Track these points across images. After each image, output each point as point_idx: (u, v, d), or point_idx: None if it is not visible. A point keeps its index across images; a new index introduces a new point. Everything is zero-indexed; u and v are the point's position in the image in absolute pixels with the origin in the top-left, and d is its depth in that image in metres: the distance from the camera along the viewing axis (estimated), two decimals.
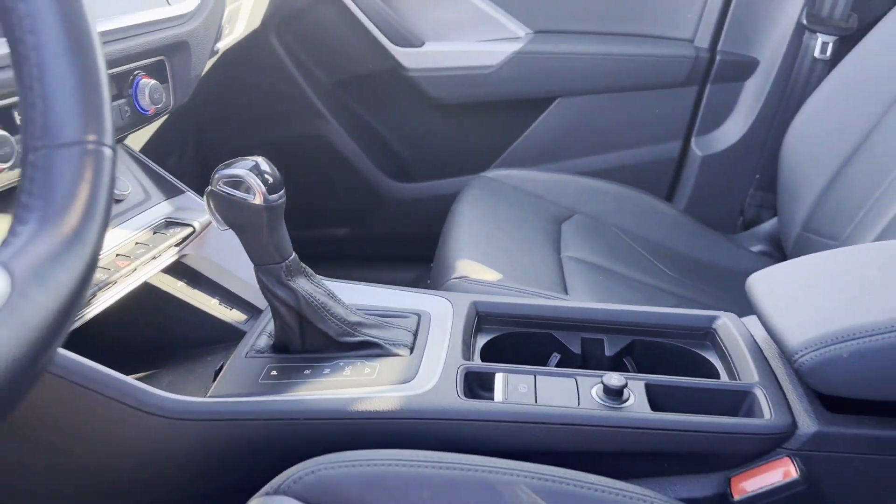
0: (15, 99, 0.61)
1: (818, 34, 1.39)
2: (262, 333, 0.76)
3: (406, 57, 1.52)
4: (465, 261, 1.03)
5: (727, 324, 0.77)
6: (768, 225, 1.51)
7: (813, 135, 1.31)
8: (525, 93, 1.55)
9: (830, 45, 1.39)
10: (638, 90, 1.55)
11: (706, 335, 0.78)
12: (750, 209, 1.54)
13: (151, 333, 0.81)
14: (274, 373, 0.69)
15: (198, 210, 0.84)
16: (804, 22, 1.40)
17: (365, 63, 1.55)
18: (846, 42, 1.36)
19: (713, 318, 0.78)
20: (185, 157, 1.49)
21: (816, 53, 1.40)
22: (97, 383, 0.60)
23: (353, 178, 1.62)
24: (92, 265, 0.35)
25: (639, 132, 1.58)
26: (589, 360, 0.77)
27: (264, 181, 0.65)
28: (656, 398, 0.66)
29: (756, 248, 1.49)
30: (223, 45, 0.99)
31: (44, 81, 0.36)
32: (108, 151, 0.35)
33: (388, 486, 0.54)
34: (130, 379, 0.62)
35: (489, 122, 1.59)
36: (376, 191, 1.62)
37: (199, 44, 0.80)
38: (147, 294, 0.78)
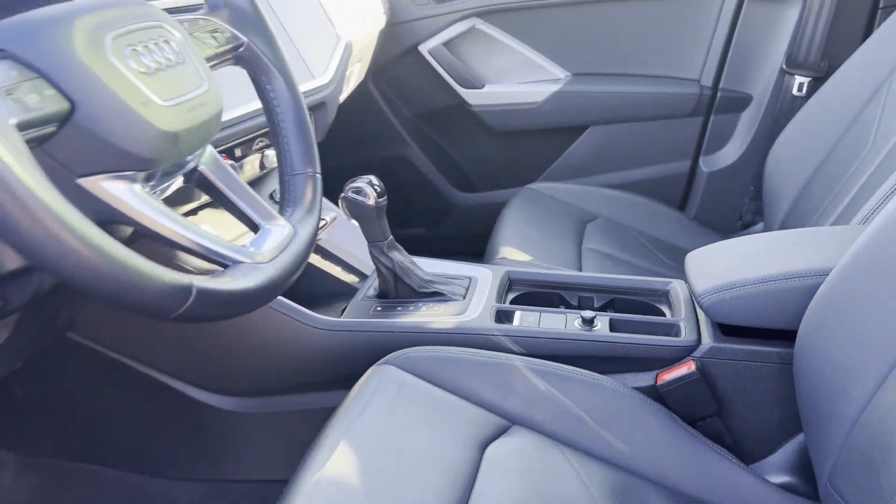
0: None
1: (796, 76, 1.72)
2: (369, 288, 1.16)
3: (470, 96, 1.88)
4: (506, 247, 1.41)
5: (676, 286, 1.12)
6: (759, 227, 1.82)
7: (788, 155, 1.62)
8: (563, 122, 1.89)
9: (806, 84, 1.71)
10: (655, 119, 1.88)
11: (663, 294, 1.14)
12: (747, 215, 1.85)
13: (303, 287, 1.22)
14: (378, 309, 1.09)
15: (328, 209, 1.25)
16: (784, 67, 1.73)
17: (439, 101, 1.91)
18: (819, 81, 1.67)
19: (668, 283, 1.14)
20: None
21: (794, 91, 1.71)
22: (281, 305, 1.02)
23: (429, 189, 2.01)
24: (316, 233, 0.75)
25: (656, 153, 1.91)
26: (583, 310, 1.14)
27: (375, 190, 1.05)
28: (618, 327, 1.03)
29: None
30: (342, 97, 1.40)
31: (287, 132, 0.76)
32: (318, 176, 0.76)
33: (449, 363, 0.93)
34: (299, 306, 1.03)
35: (534, 145, 1.95)
36: (446, 199, 2.01)
37: (332, 101, 1.21)
38: None
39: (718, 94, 1.82)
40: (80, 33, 0.54)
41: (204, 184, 0.68)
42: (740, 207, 1.86)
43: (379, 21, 1.70)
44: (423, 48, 1.85)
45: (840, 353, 0.80)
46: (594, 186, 1.81)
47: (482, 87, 1.89)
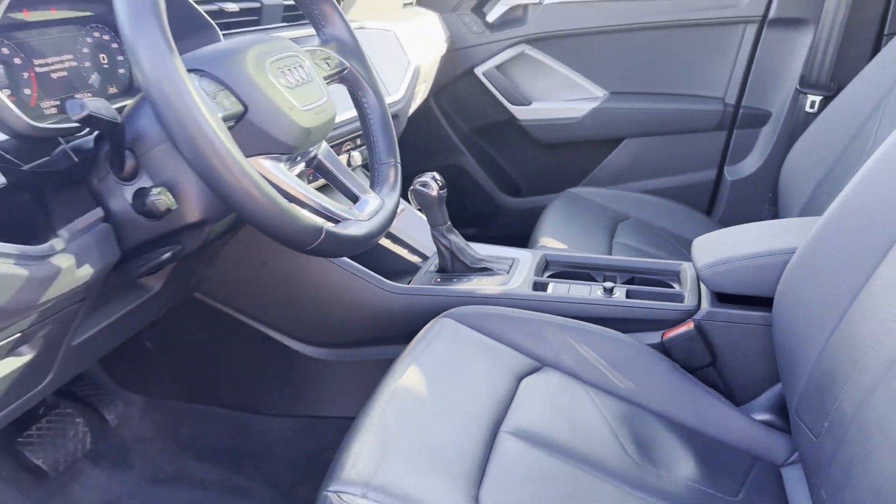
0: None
1: (808, 94, 1.91)
2: (430, 265, 1.41)
3: (519, 112, 2.12)
4: (546, 238, 1.64)
5: (686, 268, 1.34)
6: None
7: (799, 165, 1.80)
8: (601, 135, 2.11)
9: (817, 102, 1.90)
10: (684, 133, 2.09)
11: (675, 273, 1.35)
12: (766, 219, 2.04)
13: (379, 264, 1.47)
14: (438, 280, 1.33)
15: None
16: (798, 87, 1.92)
17: (491, 116, 2.14)
18: (829, 99, 1.86)
19: (679, 265, 1.35)
20: None
21: (807, 108, 1.90)
22: (364, 273, 1.27)
23: (481, 193, 2.25)
24: (398, 204, 1.00)
25: (685, 163, 2.11)
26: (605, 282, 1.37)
27: (437, 183, 1.30)
28: (632, 296, 1.25)
29: None
30: (411, 111, 1.66)
31: (376, 133, 1.02)
32: (399, 164, 1.01)
33: (494, 318, 1.16)
34: (377, 274, 1.28)
35: (576, 155, 2.17)
36: (496, 202, 2.25)
37: (403, 113, 1.46)
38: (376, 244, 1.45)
39: (741, 111, 2.02)
40: (250, 60, 0.81)
41: (321, 168, 0.94)
42: (761, 212, 2.04)
43: (441, 48, 1.96)
44: (478, 71, 2.10)
45: (804, 311, 1.01)
46: (629, 192, 2.03)
47: (529, 104, 2.12)
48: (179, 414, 1.49)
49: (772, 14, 1.94)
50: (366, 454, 0.85)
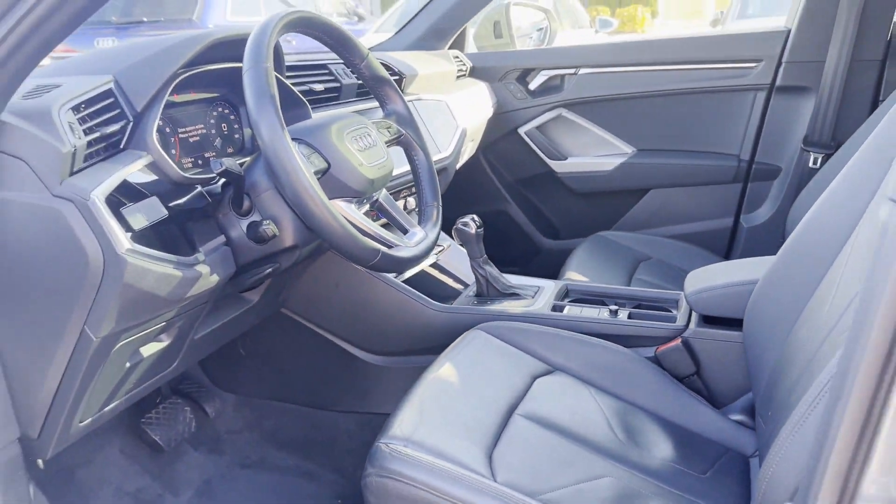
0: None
1: (811, 152, 2.13)
2: (470, 291, 1.68)
3: (556, 165, 2.38)
4: (571, 272, 1.90)
5: (682, 297, 1.58)
6: None
7: (802, 213, 2.01)
8: (630, 186, 2.35)
9: (820, 159, 2.11)
10: (704, 185, 2.31)
11: (675, 301, 1.59)
12: None
13: (428, 289, 1.75)
14: (475, 302, 1.61)
15: (444, 239, 1.80)
16: (802, 146, 2.14)
17: (532, 169, 2.40)
18: (830, 156, 2.07)
19: (678, 294, 1.59)
20: None
21: (811, 164, 2.12)
22: (412, 293, 1.56)
23: (522, 236, 2.51)
24: (438, 236, 1.29)
25: (705, 212, 2.33)
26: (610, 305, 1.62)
27: (475, 223, 1.58)
28: (633, 317, 1.49)
29: None
30: (458, 165, 1.97)
31: (424, 183, 1.32)
32: (440, 207, 1.31)
33: (517, 331, 1.42)
34: (426, 296, 1.57)
35: (607, 203, 2.41)
36: (536, 244, 2.51)
37: (451, 167, 1.76)
38: (426, 273, 1.74)
39: (754, 166, 2.24)
40: (333, 131, 1.13)
41: (381, 208, 1.25)
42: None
43: (488, 111, 2.27)
44: (521, 130, 2.39)
45: (765, 328, 1.25)
46: (653, 236, 2.26)
47: (566, 158, 2.39)
48: (263, 410, 1.79)
49: (778, 82, 2.18)
50: (407, 420, 1.12)
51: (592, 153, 2.38)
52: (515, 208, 2.48)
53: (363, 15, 8.27)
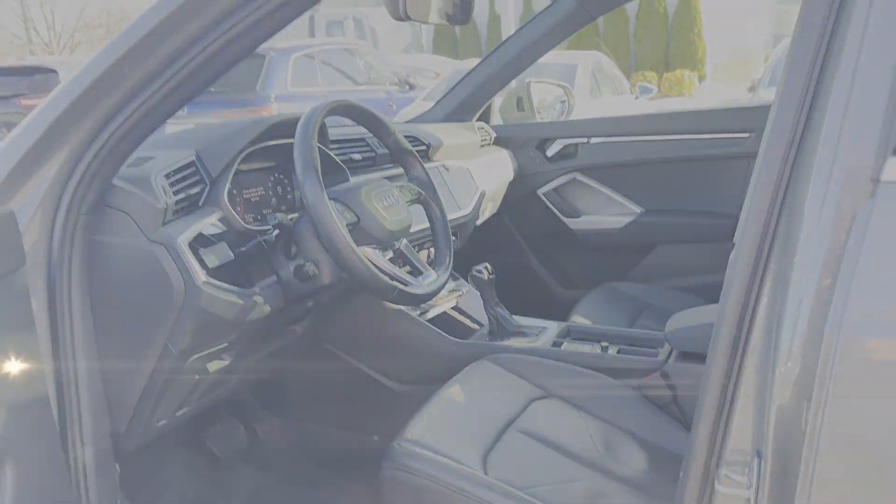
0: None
1: None
2: (484, 329, 1.92)
3: (571, 223, 2.58)
4: (576, 317, 2.11)
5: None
6: None
7: None
8: (638, 242, 2.55)
9: None
10: (706, 242, 2.53)
11: (660, 342, 1.79)
12: None
13: (448, 328, 1.99)
14: (487, 339, 1.84)
15: (463, 285, 2.04)
16: None
17: (550, 225, 2.61)
18: None
19: (663, 334, 1.80)
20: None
21: None
22: (433, 331, 1.80)
23: (540, 285, 2.73)
24: (447, 280, 1.55)
25: (706, 265, 2.49)
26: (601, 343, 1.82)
27: (488, 270, 1.83)
28: (621, 352, 1.70)
29: None
30: (478, 222, 2.23)
31: (439, 235, 1.58)
32: (451, 257, 1.56)
33: (518, 362, 1.64)
34: (445, 333, 1.81)
35: (617, 257, 2.62)
36: (553, 294, 2.73)
37: (470, 223, 2.02)
38: (446, 314, 1.98)
39: None
40: (363, 193, 1.40)
41: (402, 255, 1.51)
42: None
43: (509, 175, 2.53)
44: (540, 192, 2.64)
45: None
46: (658, 287, 2.46)
47: (580, 216, 2.62)
48: (305, 432, 2.04)
49: None
50: (419, 427, 1.36)
51: (604, 212, 2.59)
52: (534, 260, 2.71)
53: (413, 84, 8.78)
